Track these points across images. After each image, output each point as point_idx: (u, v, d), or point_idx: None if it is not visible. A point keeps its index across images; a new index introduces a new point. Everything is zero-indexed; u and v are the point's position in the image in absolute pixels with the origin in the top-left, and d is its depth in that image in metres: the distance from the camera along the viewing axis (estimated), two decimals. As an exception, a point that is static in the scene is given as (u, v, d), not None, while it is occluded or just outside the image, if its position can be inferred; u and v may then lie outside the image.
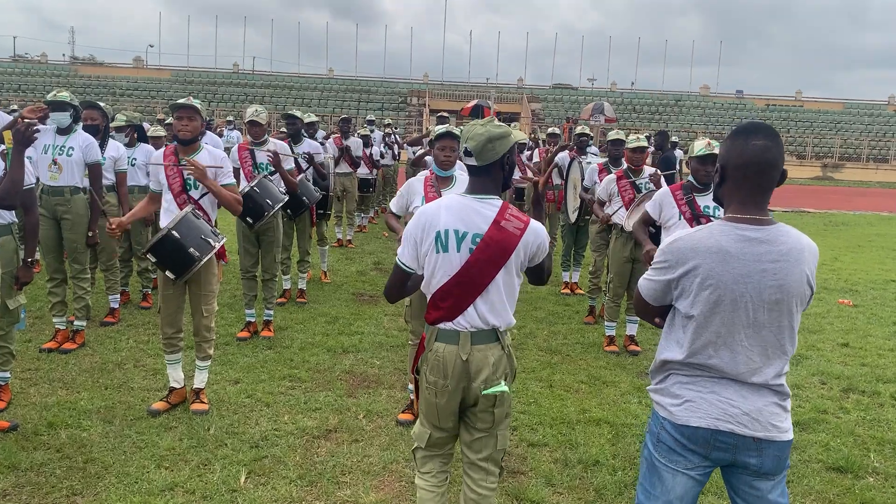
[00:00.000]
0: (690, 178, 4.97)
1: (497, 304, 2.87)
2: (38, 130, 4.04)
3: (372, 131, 14.13)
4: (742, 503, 2.40)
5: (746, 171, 2.30)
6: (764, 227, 2.31)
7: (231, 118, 21.48)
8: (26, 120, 4.10)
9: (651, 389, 2.50)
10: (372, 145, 12.78)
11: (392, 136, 15.84)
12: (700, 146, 4.86)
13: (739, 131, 2.35)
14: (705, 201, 4.87)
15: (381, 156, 13.65)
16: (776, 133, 2.33)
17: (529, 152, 12.56)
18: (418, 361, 3.05)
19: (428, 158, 9.45)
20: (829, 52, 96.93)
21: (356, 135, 12.30)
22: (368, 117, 15.91)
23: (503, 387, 2.91)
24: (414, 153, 15.28)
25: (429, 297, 2.94)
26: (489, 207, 2.86)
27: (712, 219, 4.82)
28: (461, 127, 4.62)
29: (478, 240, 2.81)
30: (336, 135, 11.72)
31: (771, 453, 2.32)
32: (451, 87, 51.63)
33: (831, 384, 5.89)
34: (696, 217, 4.82)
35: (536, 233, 2.89)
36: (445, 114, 14.90)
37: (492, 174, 2.87)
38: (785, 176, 2.35)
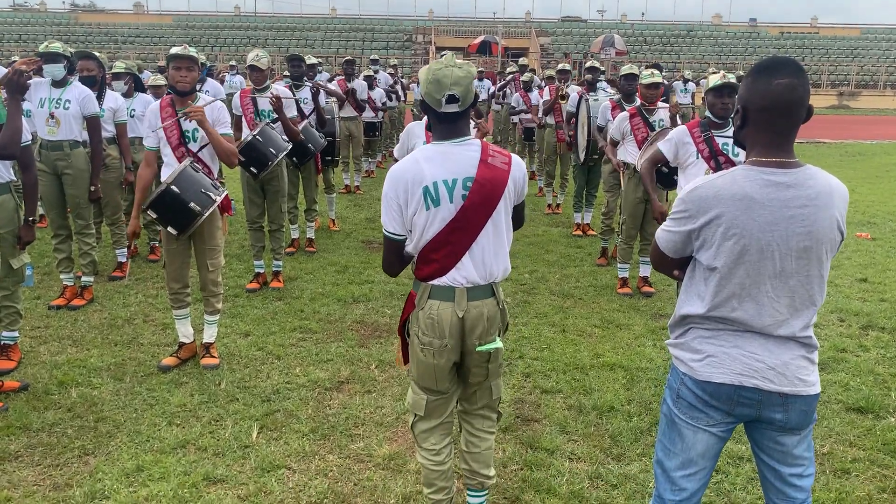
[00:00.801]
0: (708, 113, 4.77)
1: (495, 247, 2.75)
2: (29, 77, 3.90)
3: (376, 72, 13.81)
4: (766, 457, 2.32)
5: (771, 112, 2.14)
6: (790, 170, 2.16)
7: (234, 63, 21.11)
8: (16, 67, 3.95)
9: (670, 344, 2.40)
10: (376, 87, 12.49)
11: (397, 77, 15.51)
12: (715, 78, 4.66)
13: (761, 69, 2.18)
14: (724, 139, 4.68)
15: (389, 98, 13.36)
16: (801, 68, 2.15)
17: (538, 90, 12.27)
18: (405, 321, 2.92)
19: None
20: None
21: (360, 77, 12.01)
22: (372, 57, 15.55)
23: (498, 343, 2.83)
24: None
25: (416, 254, 2.80)
26: (471, 148, 2.72)
27: (731, 157, 4.64)
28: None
29: (469, 183, 2.67)
30: (340, 77, 11.45)
31: (797, 408, 2.22)
32: (457, 23, 50.47)
33: (850, 321, 5.78)
34: (713, 155, 4.64)
35: (520, 166, 2.79)
36: (444, 52, 14.53)
37: (467, 115, 2.73)
38: (811, 112, 2.19)
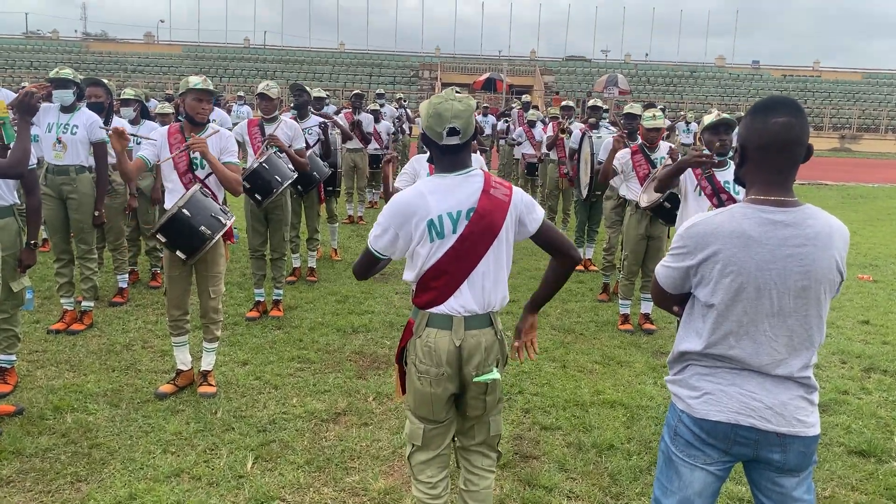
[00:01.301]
0: (706, 151, 4.80)
1: (494, 277, 2.75)
2: (39, 99, 3.94)
3: (382, 105, 13.96)
4: (765, 499, 2.29)
5: (768, 150, 2.15)
6: (789, 209, 2.17)
7: (241, 93, 21.35)
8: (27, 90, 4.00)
9: (669, 380, 2.38)
10: (382, 120, 12.61)
11: (403, 109, 15.68)
12: (710, 117, 4.74)
13: (759, 108, 2.20)
14: (725, 176, 4.71)
15: (397, 131, 13.50)
16: (799, 107, 2.17)
17: (542, 126, 12.38)
18: (403, 349, 2.91)
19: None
20: (848, 20, 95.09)
21: (367, 110, 12.13)
22: (378, 91, 15.71)
23: (495, 374, 2.80)
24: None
25: (416, 281, 2.80)
26: (474, 180, 2.74)
27: (733, 194, 4.66)
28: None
29: (471, 214, 2.69)
30: (347, 110, 11.56)
31: (796, 449, 2.20)
32: (463, 59, 51.15)
33: (852, 363, 5.75)
34: (716, 193, 4.67)
35: (521, 196, 2.80)
36: (456, 87, 14.67)
37: (468, 147, 2.75)
38: (811, 151, 2.21)
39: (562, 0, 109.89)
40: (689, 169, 4.78)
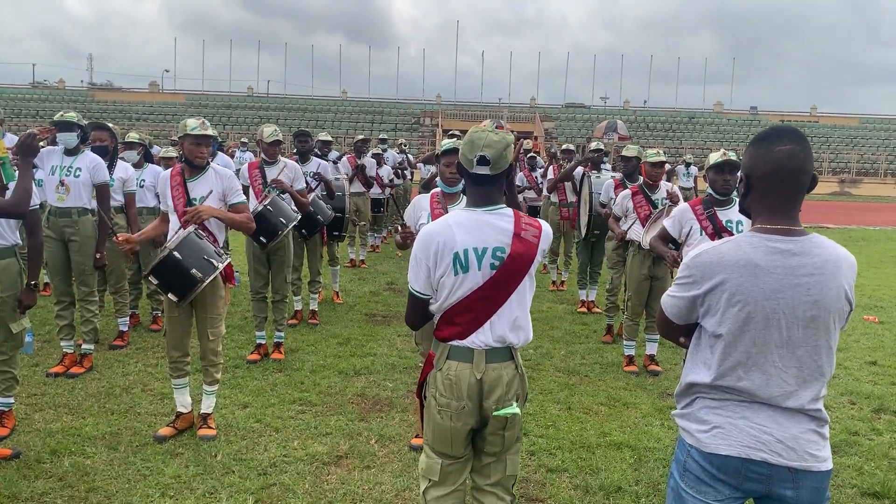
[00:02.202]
0: (710, 190, 4.81)
1: (519, 317, 2.77)
2: (41, 140, 3.98)
3: (384, 150, 14.08)
4: (779, 538, 2.22)
5: (773, 178, 2.15)
6: (796, 237, 2.15)
7: (245, 140, 21.55)
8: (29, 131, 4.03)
9: (676, 414, 2.34)
10: (384, 164, 12.71)
11: (405, 154, 15.81)
12: (716, 156, 4.75)
13: (762, 137, 2.20)
14: (727, 215, 4.71)
15: (398, 175, 13.60)
16: (802, 136, 2.18)
17: (542, 169, 12.44)
18: (423, 382, 2.90)
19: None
20: (843, 68, 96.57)
21: (370, 154, 12.23)
22: (381, 136, 15.86)
23: (515, 409, 2.77)
24: (428, 171, 15.25)
25: (440, 315, 2.80)
26: (504, 218, 2.75)
27: (735, 234, 4.65)
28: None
29: (499, 253, 2.70)
30: (350, 154, 11.65)
31: (808, 485, 2.14)
32: (464, 107, 51.76)
33: (861, 404, 5.67)
34: (718, 232, 4.66)
35: (548, 235, 2.82)
36: (457, 132, 14.78)
37: (500, 183, 2.77)
38: (815, 180, 2.20)
39: (560, 49, 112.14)
40: (690, 210, 4.79)
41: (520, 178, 12.80)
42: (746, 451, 2.14)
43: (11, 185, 4.20)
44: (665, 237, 5.01)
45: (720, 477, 2.18)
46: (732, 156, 4.68)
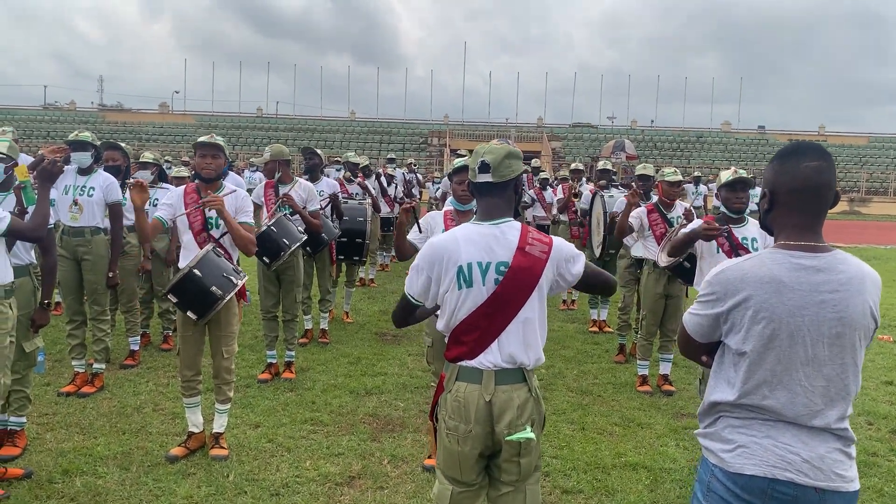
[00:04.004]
0: (723, 208, 4.78)
1: (527, 336, 2.69)
2: (61, 166, 4.02)
3: (394, 169, 14.13)
4: (806, 561, 2.17)
5: (800, 195, 2.13)
6: (820, 254, 2.13)
7: (254, 160, 21.64)
8: (50, 157, 4.07)
9: (699, 434, 2.30)
10: (394, 185, 12.75)
11: (414, 174, 15.88)
12: (727, 174, 4.71)
13: (788, 153, 2.19)
14: (743, 232, 4.68)
15: (408, 195, 13.61)
16: (826, 151, 2.17)
17: (552, 189, 12.44)
18: (436, 404, 2.86)
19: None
20: (851, 88, 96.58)
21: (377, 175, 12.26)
22: (389, 156, 15.93)
23: (529, 433, 2.66)
24: (437, 190, 15.29)
25: (448, 333, 2.76)
26: (511, 232, 2.70)
27: (751, 251, 4.62)
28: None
29: (502, 268, 2.64)
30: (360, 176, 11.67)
31: (837, 506, 2.10)
32: (472, 127, 51.93)
33: (878, 424, 5.59)
34: (734, 249, 4.62)
35: (560, 248, 2.73)
36: (463, 151, 14.79)
37: (506, 194, 2.73)
38: (838, 197, 2.19)
39: (567, 69, 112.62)
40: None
41: (529, 196, 12.82)
42: (772, 471, 2.10)
43: (31, 209, 4.24)
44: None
45: (745, 497, 2.14)
46: (743, 173, 4.66)
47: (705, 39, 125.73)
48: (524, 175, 10.00)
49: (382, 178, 11.32)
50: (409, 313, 2.88)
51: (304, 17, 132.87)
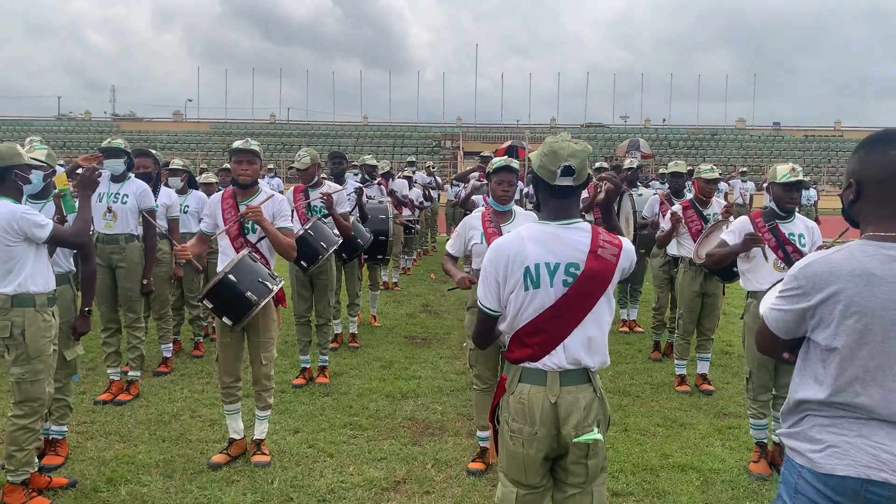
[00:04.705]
0: (772, 204, 4.68)
1: (594, 340, 2.63)
2: (101, 174, 4.02)
3: (414, 172, 14.11)
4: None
5: (890, 184, 2.05)
6: (912, 246, 2.05)
7: (271, 166, 21.69)
8: (89, 165, 4.07)
9: (784, 434, 2.22)
10: (414, 187, 12.72)
11: (433, 177, 15.86)
12: (784, 171, 4.54)
13: (875, 141, 2.11)
14: (790, 228, 4.58)
15: (427, 198, 13.61)
16: None
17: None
18: (496, 406, 2.80)
19: (475, 198, 9.29)
20: (865, 82, 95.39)
21: (400, 175, 12.24)
22: (409, 159, 15.91)
23: (596, 434, 2.62)
24: (455, 195, 15.22)
25: (511, 334, 2.70)
26: (580, 233, 2.63)
27: (799, 246, 4.53)
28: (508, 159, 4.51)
29: (572, 269, 2.58)
30: (381, 178, 11.65)
31: (936, 506, 2.02)
32: (484, 129, 51.88)
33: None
34: (781, 245, 4.53)
35: (628, 253, 2.69)
36: (490, 153, 14.66)
37: (578, 195, 2.67)
38: None
39: (579, 70, 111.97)
40: (750, 223, 4.66)
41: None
42: (866, 472, 2.02)
43: (70, 217, 4.22)
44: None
45: (836, 499, 2.06)
46: (801, 171, 4.52)
47: (717, 37, 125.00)
48: None
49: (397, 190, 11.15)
50: (490, 328, 2.77)
51: (314, 24, 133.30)
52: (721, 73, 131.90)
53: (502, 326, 2.72)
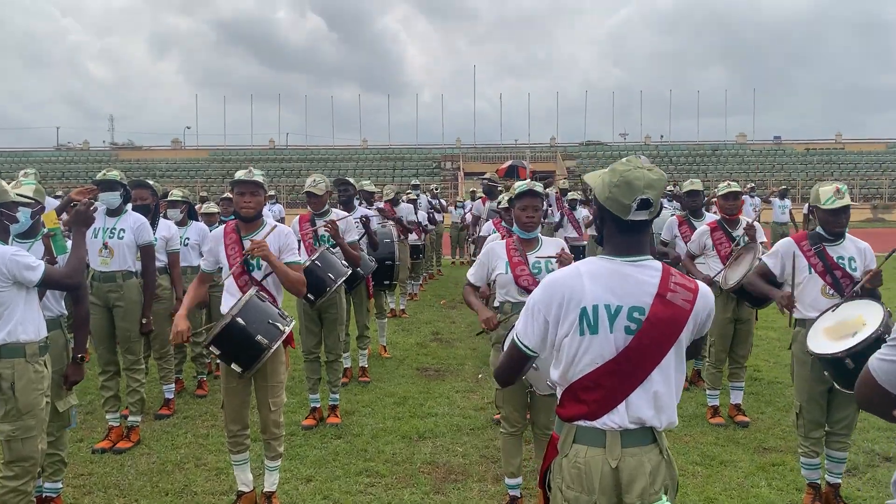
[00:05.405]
0: (819, 229, 4.33)
1: (661, 397, 2.28)
2: (96, 208, 3.72)
3: (417, 195, 13.85)
4: None
5: None
6: None
7: (272, 192, 21.41)
8: (83, 200, 3.76)
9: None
10: (419, 210, 12.46)
11: (438, 199, 15.61)
12: (828, 194, 4.14)
13: None
14: (838, 251, 4.24)
15: (431, 221, 13.34)
16: None
17: (585, 209, 12.05)
18: (547, 470, 2.46)
19: (486, 225, 8.97)
20: (864, 95, 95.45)
21: (405, 200, 11.97)
22: (413, 182, 15.65)
23: (665, 502, 2.28)
24: (461, 217, 14.96)
25: (565, 386, 2.36)
26: (648, 272, 2.29)
27: (848, 271, 4.19)
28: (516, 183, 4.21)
29: (635, 314, 2.24)
30: (387, 201, 11.37)
31: None
32: (484, 149, 51.77)
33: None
34: (829, 270, 4.20)
35: (706, 300, 2.33)
36: (490, 175, 14.39)
37: (649, 229, 2.34)
38: None
39: (576, 89, 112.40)
40: (797, 249, 4.32)
41: (559, 216, 12.41)
42: None
43: (61, 259, 3.92)
44: (764, 275, 4.52)
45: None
46: (845, 191, 4.15)
47: (714, 52, 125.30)
48: (553, 194, 9.54)
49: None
50: (520, 367, 2.45)
51: (311, 49, 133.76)
52: (720, 88, 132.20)
53: (554, 376, 2.38)
